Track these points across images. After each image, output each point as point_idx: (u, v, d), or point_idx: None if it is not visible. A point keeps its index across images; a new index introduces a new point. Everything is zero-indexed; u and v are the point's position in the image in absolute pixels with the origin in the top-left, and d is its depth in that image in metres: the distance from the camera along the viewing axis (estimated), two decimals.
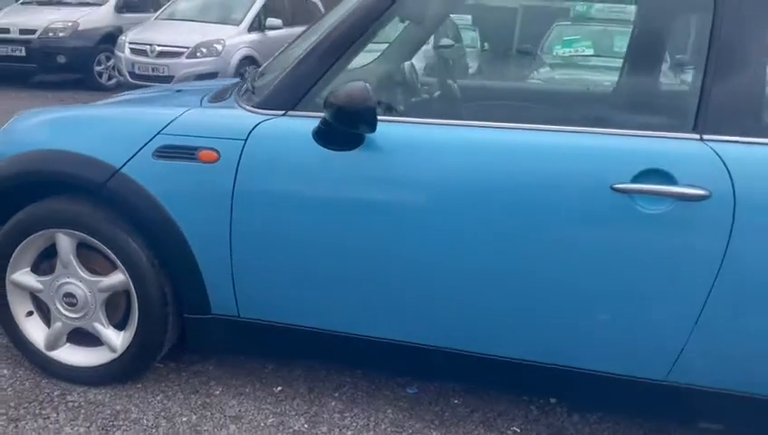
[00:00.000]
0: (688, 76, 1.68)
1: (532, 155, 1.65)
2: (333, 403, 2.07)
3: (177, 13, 8.85)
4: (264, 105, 1.81)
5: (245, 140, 1.76)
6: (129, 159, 1.82)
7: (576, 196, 1.60)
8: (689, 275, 1.59)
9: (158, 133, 1.82)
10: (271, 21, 8.52)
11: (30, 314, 2.08)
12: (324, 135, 1.71)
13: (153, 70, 7.74)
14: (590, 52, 7.28)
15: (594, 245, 1.62)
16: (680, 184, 1.54)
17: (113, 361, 2.02)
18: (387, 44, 2.69)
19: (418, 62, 2.69)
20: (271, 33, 8.46)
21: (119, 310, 2.00)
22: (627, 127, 1.64)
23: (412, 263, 1.73)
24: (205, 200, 1.80)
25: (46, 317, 2.08)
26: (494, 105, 2.43)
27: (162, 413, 1.97)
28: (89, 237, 1.89)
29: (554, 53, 7.59)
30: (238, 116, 1.82)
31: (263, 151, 1.76)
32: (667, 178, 1.55)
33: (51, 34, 8.48)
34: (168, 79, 7.51)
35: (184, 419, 1.95)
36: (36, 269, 2.04)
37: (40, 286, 2.01)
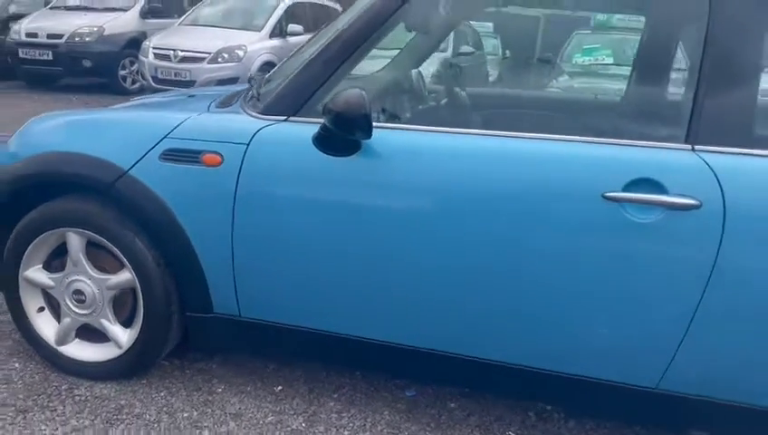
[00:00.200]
0: (681, 88, 1.70)
1: (526, 162, 1.68)
2: (332, 404, 2.11)
3: (200, 19, 9.02)
4: (267, 111, 1.86)
5: (248, 144, 1.82)
6: (136, 162, 1.88)
7: (568, 203, 1.63)
8: (680, 283, 1.60)
9: (165, 137, 1.88)
10: (292, 27, 8.64)
11: (41, 309, 2.16)
12: (323, 141, 1.75)
13: (175, 74, 7.89)
14: (610, 60, 7.27)
15: (586, 252, 1.64)
16: (671, 193, 1.56)
17: (119, 356, 2.08)
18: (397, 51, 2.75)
19: (429, 68, 2.73)
20: (292, 39, 8.57)
21: (125, 307, 2.07)
22: (620, 136, 1.67)
23: (406, 267, 1.76)
24: (208, 202, 1.86)
25: (57, 313, 2.15)
26: (490, 113, 2.45)
27: (164, 409, 2.03)
28: (97, 236, 1.96)
29: (573, 62, 7.59)
30: (242, 121, 1.88)
31: (264, 156, 1.81)
32: (657, 187, 1.57)
33: (77, 39, 8.71)
34: (190, 83, 7.65)
35: (185, 414, 2.01)
36: (48, 266, 2.11)
37: (51, 283, 2.09)
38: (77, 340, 2.15)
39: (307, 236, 1.81)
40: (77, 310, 2.08)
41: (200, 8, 9.36)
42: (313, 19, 9.34)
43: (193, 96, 2.58)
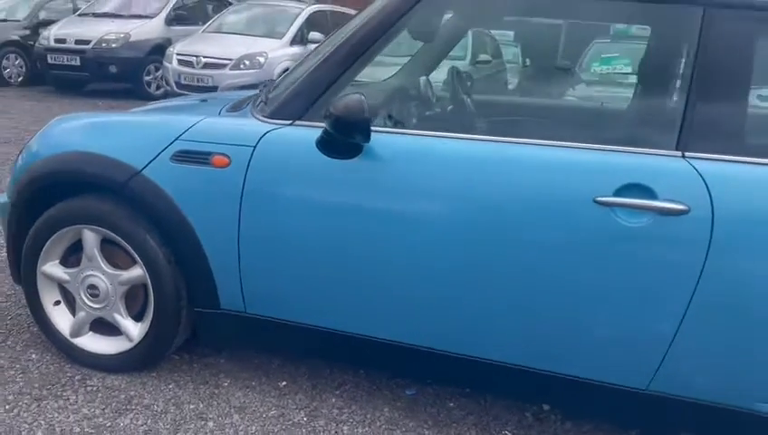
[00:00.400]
0: (673, 97, 1.74)
1: (522, 167, 1.73)
2: (333, 400, 2.18)
3: (224, 26, 9.19)
4: (274, 115, 1.94)
5: (254, 147, 1.89)
6: (149, 162, 1.97)
7: (562, 207, 1.68)
8: (669, 286, 1.64)
9: (176, 139, 1.96)
10: (313, 35, 8.75)
11: (57, 303, 2.26)
12: (325, 144, 1.82)
13: (198, 80, 8.04)
14: (629, 69, 7.26)
15: (578, 255, 1.69)
16: (660, 198, 1.60)
17: (130, 349, 2.17)
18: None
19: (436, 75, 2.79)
20: (312, 47, 8.65)
21: (137, 302, 2.16)
22: (613, 143, 1.71)
23: (402, 266, 1.82)
24: (216, 202, 1.94)
25: (72, 307, 2.25)
26: (489, 120, 2.51)
27: (172, 400, 2.11)
28: (111, 233, 2.05)
29: (592, 70, 7.62)
30: (249, 125, 1.96)
31: (269, 158, 1.89)
32: (647, 192, 1.62)
33: (104, 45, 8.92)
34: (212, 89, 7.79)
35: (192, 406, 2.08)
36: (65, 262, 2.21)
37: (67, 278, 2.18)
38: (91, 333, 2.24)
39: (309, 235, 1.88)
40: (91, 304, 2.17)
41: (224, 16, 9.54)
42: (334, 27, 9.42)
43: (205, 101, 2.67)
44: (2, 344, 2.37)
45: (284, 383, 2.25)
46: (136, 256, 2.05)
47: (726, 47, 1.63)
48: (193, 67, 8.13)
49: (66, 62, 9.02)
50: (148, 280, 2.06)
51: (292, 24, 8.82)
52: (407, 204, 1.79)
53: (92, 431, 1.93)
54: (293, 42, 8.64)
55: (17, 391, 2.10)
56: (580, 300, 1.72)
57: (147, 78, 9.25)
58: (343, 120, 1.71)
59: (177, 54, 8.31)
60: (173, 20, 9.75)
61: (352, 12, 10.58)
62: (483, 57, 8.02)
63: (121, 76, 9.08)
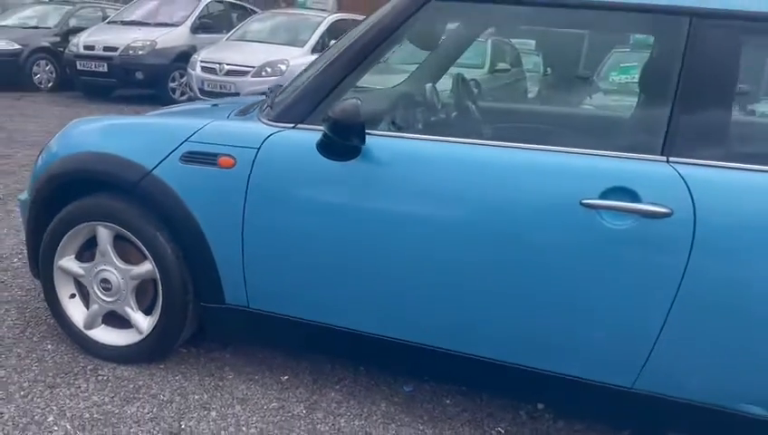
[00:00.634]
0: (659, 103, 1.79)
1: (512, 170, 1.79)
2: (333, 394, 2.25)
3: (247, 34, 9.37)
4: (278, 119, 2.03)
5: (258, 148, 1.98)
6: (159, 163, 2.07)
7: (551, 209, 1.74)
8: (652, 286, 1.69)
9: (185, 141, 2.06)
10: (333, 43, 8.88)
11: (72, 296, 2.37)
12: (325, 147, 1.90)
13: (221, 87, 8.21)
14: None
15: (566, 255, 1.75)
16: (644, 201, 1.66)
17: (140, 341, 2.27)
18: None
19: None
20: None
21: (147, 296, 2.26)
22: (599, 147, 1.77)
23: (400, 265, 1.89)
24: (221, 201, 2.03)
25: (86, 300, 2.36)
26: (484, 125, 2.57)
27: (178, 391, 2.20)
28: (123, 230, 2.16)
29: (610, 80, 7.63)
30: (254, 128, 2.05)
31: (272, 159, 1.97)
32: (632, 195, 1.67)
33: (131, 52, 9.15)
34: (234, 96, 7.95)
35: (196, 397, 2.17)
36: (80, 257, 2.32)
37: (82, 272, 2.29)
38: (103, 325, 2.35)
39: (309, 234, 1.96)
40: (104, 297, 2.28)
41: (248, 24, 9.73)
42: None
43: (216, 105, 2.78)
44: (20, 335, 2.49)
45: (286, 377, 2.33)
46: (146, 251, 2.15)
47: (711, 55, 1.68)
48: (216, 74, 8.30)
49: (94, 69, 9.27)
50: (158, 275, 2.16)
51: (314, 33, 8.97)
52: (401, 205, 1.86)
53: (101, 418, 2.03)
54: (315, 50, 8.77)
55: (32, 378, 2.22)
56: (567, 299, 1.78)
57: (172, 84, 9.47)
58: (340, 123, 1.79)
59: (201, 61, 8.49)
60: (198, 28, 9.96)
61: None
62: (501, 66, 8.10)
63: (147, 82, 9.30)
